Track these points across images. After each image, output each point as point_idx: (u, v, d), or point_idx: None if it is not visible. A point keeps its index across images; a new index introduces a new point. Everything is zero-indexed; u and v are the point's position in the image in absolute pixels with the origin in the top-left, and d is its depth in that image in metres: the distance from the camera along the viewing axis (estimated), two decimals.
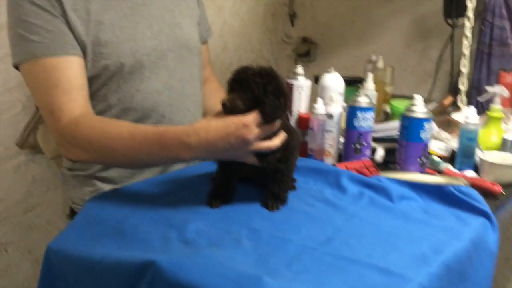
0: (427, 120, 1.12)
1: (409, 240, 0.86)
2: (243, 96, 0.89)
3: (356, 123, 1.22)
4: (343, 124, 1.28)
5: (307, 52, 2.40)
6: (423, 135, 1.12)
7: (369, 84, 1.47)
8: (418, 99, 1.14)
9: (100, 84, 1.11)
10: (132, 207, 0.97)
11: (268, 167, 0.96)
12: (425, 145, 1.14)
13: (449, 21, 1.75)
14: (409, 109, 1.14)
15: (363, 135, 1.22)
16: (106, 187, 1.17)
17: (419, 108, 1.13)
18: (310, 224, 0.91)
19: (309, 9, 2.37)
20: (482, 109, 1.64)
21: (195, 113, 1.26)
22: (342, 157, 1.28)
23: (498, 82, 1.51)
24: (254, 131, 0.88)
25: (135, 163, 1.05)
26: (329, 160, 1.29)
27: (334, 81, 1.34)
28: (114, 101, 1.13)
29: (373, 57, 1.78)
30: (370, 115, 1.22)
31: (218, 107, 1.35)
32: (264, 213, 0.95)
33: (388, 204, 1.01)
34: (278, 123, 0.93)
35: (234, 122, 0.88)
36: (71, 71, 1.05)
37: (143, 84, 1.14)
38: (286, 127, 0.97)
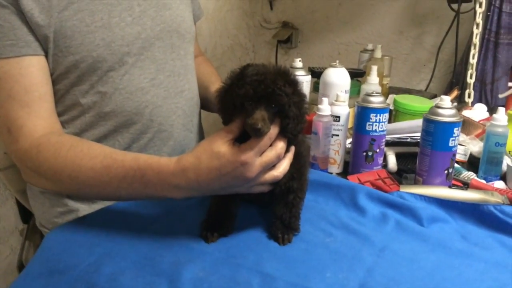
0: (457, 124, 0.96)
1: (461, 283, 0.69)
2: (270, 112, 0.70)
3: (368, 127, 1.04)
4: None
5: (288, 38, 2.21)
6: (452, 142, 0.96)
7: (373, 78, 1.30)
8: (446, 100, 0.97)
9: (67, 85, 0.89)
10: (106, 244, 0.76)
11: (278, 187, 0.77)
12: (454, 154, 0.97)
13: (453, 6, 1.59)
14: (434, 112, 0.97)
15: (377, 140, 1.05)
16: (81, 207, 0.96)
17: (447, 111, 0.96)
18: (335, 264, 0.72)
19: None
20: (487, 104, 1.51)
21: (191, 113, 1.04)
22: (349, 165, 1.10)
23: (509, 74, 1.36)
24: (255, 168, 0.70)
25: (113, 199, 0.85)
26: (334, 169, 1.11)
27: (340, 77, 1.16)
28: (87, 105, 0.90)
29: (369, 46, 1.61)
30: (385, 117, 1.05)
31: (206, 78, 1.17)
32: (275, 248, 0.77)
33: (419, 230, 0.84)
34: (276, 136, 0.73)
35: (229, 160, 0.69)
36: (28, 77, 0.82)
37: (124, 81, 0.91)
38: None
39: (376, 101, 1.04)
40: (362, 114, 1.04)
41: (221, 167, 0.70)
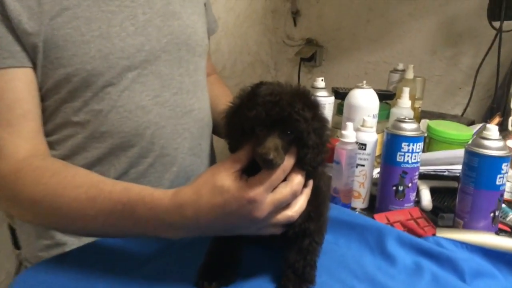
0: (505, 159, 0.81)
1: None
2: (284, 139, 0.59)
3: (399, 158, 0.90)
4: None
5: (311, 56, 2.10)
6: (500, 180, 0.81)
7: (405, 101, 1.16)
8: (492, 129, 0.82)
9: (58, 101, 0.79)
10: None
11: (292, 229, 0.65)
12: (501, 195, 0.83)
13: (495, 24, 1.45)
14: (478, 143, 0.83)
15: (409, 173, 0.91)
16: (70, 240, 0.85)
17: (495, 143, 0.82)
18: None
19: (315, 6, 2.07)
20: None
21: (200, 136, 0.93)
22: (376, 201, 0.97)
23: None
24: (265, 207, 0.60)
25: (99, 235, 0.75)
26: (358, 204, 0.98)
27: (367, 99, 1.03)
28: (80, 124, 0.80)
29: (400, 66, 1.48)
30: (419, 147, 0.91)
31: (221, 101, 1.06)
32: None
33: (461, 287, 0.69)
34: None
35: (235, 197, 0.59)
36: (12, 92, 0.73)
37: (122, 98, 0.81)
38: None
39: (409, 128, 0.91)
40: (393, 142, 0.91)
41: (225, 204, 0.59)
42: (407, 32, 1.84)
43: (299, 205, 0.63)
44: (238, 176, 0.60)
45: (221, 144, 1.16)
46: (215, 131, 1.03)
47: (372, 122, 0.97)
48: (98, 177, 0.70)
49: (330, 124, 0.67)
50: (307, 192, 0.65)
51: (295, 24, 2.13)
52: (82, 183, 0.68)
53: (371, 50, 1.95)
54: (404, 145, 0.90)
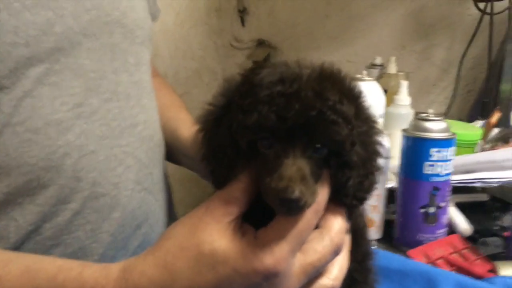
0: None
1: None
2: (312, 158, 0.35)
3: (428, 170, 0.67)
4: None
5: (265, 59, 1.86)
6: None
7: (403, 98, 0.94)
8: None
9: None
10: None
11: None
12: None
13: (480, 5, 1.28)
14: None
15: (441, 189, 0.68)
16: None
17: None
18: None
19: (265, 3, 1.84)
20: None
21: (150, 161, 0.61)
22: (396, 228, 0.73)
23: None
24: (294, 280, 0.36)
25: None
26: (372, 234, 0.74)
27: (371, 95, 0.79)
28: None
29: (378, 60, 1.27)
30: (451, 152, 0.69)
31: (171, 114, 0.76)
32: None
33: None
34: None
35: (239, 271, 0.35)
36: None
37: (22, 110, 0.49)
38: None
39: (437, 128, 0.69)
40: (417, 149, 0.68)
41: (222, 283, 0.35)
42: (371, 26, 1.65)
43: (339, 267, 0.39)
44: (237, 229, 0.36)
45: (175, 171, 0.87)
46: (169, 156, 0.73)
47: (381, 124, 0.74)
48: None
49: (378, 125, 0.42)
50: (347, 242, 0.40)
51: (243, 24, 1.88)
52: None
53: (332, 48, 1.74)
54: (433, 151, 0.67)
